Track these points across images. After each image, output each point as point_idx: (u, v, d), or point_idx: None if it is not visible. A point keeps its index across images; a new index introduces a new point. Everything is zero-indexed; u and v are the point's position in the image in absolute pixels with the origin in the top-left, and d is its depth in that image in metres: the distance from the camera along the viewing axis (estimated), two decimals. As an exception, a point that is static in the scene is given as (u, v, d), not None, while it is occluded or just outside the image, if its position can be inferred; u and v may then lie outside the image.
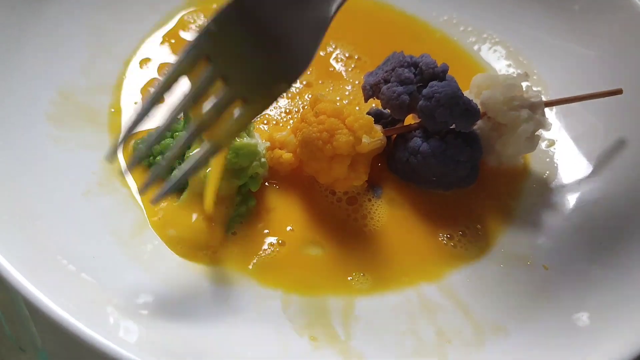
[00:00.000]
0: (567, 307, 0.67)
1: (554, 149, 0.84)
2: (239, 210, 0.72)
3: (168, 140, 0.73)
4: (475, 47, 0.96)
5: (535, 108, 0.76)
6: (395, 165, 0.78)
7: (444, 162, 0.74)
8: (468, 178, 0.77)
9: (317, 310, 0.66)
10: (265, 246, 0.71)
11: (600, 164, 0.80)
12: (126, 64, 0.87)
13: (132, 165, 0.69)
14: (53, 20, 0.82)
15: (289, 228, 0.72)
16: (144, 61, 0.87)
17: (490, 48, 0.95)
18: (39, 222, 0.65)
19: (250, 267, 0.69)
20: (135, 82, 0.85)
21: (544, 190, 0.80)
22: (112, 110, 0.81)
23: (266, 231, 0.72)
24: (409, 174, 0.77)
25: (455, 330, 0.66)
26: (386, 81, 0.77)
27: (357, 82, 0.88)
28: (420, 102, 0.74)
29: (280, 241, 0.71)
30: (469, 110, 0.73)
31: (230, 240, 0.71)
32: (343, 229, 0.74)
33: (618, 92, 0.79)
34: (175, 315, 0.62)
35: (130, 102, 0.82)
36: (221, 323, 0.63)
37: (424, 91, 0.74)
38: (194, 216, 0.70)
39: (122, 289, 0.62)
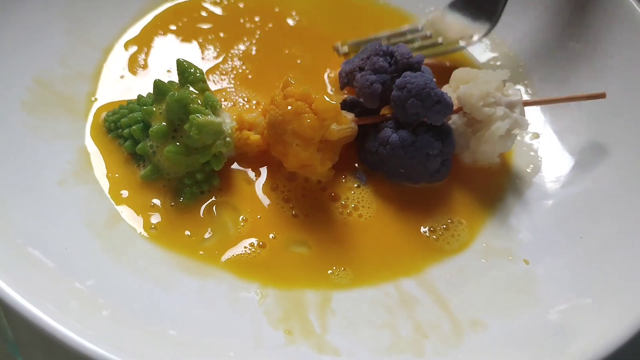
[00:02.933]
0: (547, 303, 0.66)
1: (538, 142, 0.83)
2: (201, 187, 0.72)
3: (136, 114, 0.73)
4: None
5: (513, 106, 0.75)
6: (365, 155, 0.77)
7: (412, 155, 0.73)
8: (438, 173, 0.76)
9: (294, 303, 0.66)
10: (246, 245, 0.70)
11: (584, 158, 0.79)
12: (106, 52, 0.85)
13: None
14: (30, 6, 0.80)
15: (271, 235, 0.71)
16: (125, 48, 0.86)
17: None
18: (10, 211, 0.64)
19: (224, 260, 0.68)
20: (116, 71, 0.84)
21: (526, 185, 0.79)
22: (93, 99, 0.80)
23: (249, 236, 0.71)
24: (377, 165, 0.76)
25: (433, 325, 0.65)
26: (361, 69, 0.76)
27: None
28: (393, 93, 0.73)
29: (260, 243, 0.70)
30: (441, 103, 0.71)
31: (202, 225, 0.70)
32: (327, 222, 0.73)
33: (601, 96, 0.77)
34: (146, 307, 0.61)
35: (110, 91, 0.81)
36: (194, 315, 0.62)
37: (397, 81, 0.73)
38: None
39: (94, 281, 0.61)
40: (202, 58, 0.87)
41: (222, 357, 0.58)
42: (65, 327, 0.53)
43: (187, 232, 0.70)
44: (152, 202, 0.71)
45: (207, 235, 0.70)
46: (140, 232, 0.69)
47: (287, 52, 0.90)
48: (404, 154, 0.73)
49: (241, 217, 0.72)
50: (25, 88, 0.75)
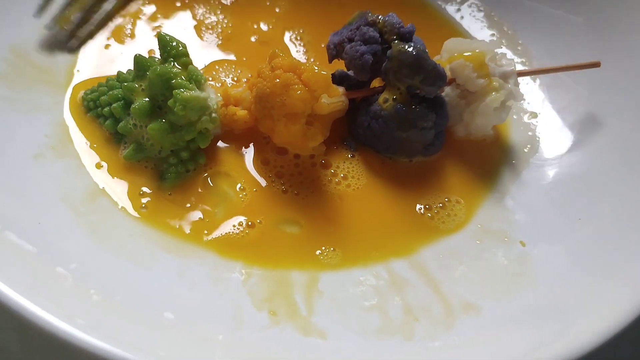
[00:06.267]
0: (543, 285, 0.64)
1: (536, 121, 0.80)
2: (186, 166, 0.69)
3: (117, 91, 0.70)
4: (458, 16, 0.91)
5: (507, 77, 0.72)
6: (356, 130, 0.74)
7: (405, 127, 0.70)
8: (432, 146, 0.73)
9: (279, 283, 0.63)
10: (235, 224, 0.67)
11: (583, 138, 0.76)
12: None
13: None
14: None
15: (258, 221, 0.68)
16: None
17: (472, 16, 0.91)
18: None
19: (209, 238, 0.66)
20: (99, 43, 0.80)
21: (524, 165, 0.76)
22: (76, 70, 0.76)
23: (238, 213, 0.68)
24: (370, 139, 0.73)
25: (424, 308, 0.62)
26: (350, 40, 0.72)
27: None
28: (385, 64, 0.70)
29: (250, 223, 0.68)
30: (434, 74, 0.68)
31: (186, 208, 0.68)
32: (319, 198, 0.70)
33: (596, 64, 0.75)
34: (124, 287, 0.58)
35: (92, 63, 0.78)
36: (174, 295, 0.59)
37: (389, 52, 0.70)
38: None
39: (68, 259, 0.58)
40: (185, 33, 0.84)
41: (202, 338, 0.55)
42: (37, 307, 0.50)
43: (194, 212, 0.68)
44: (137, 181, 0.69)
45: (215, 210, 0.68)
46: (124, 209, 0.66)
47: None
48: (397, 126, 0.70)
49: (238, 185, 0.70)
50: (2, 58, 0.72)
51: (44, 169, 0.66)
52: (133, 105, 0.67)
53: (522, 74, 0.76)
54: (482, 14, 0.90)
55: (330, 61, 0.76)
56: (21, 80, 0.72)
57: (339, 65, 0.76)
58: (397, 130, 0.70)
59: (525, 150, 0.78)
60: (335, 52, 0.74)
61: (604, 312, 0.58)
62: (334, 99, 0.68)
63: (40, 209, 0.62)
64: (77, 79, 0.76)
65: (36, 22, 0.77)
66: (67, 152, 0.69)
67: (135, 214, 0.66)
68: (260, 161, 0.72)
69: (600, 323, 0.56)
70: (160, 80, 0.66)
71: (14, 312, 0.49)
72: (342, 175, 0.72)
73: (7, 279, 0.51)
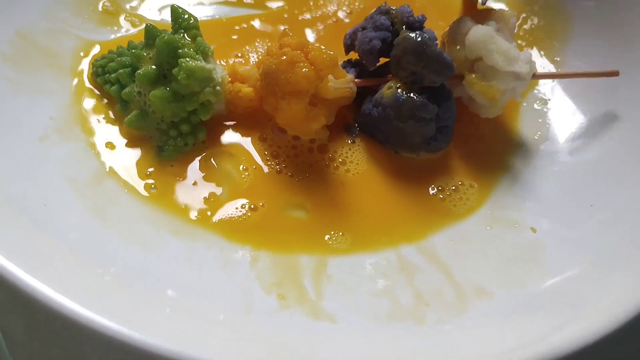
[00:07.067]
0: (555, 272, 0.63)
1: (547, 108, 0.79)
2: (186, 140, 0.69)
3: (125, 59, 0.70)
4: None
5: (521, 77, 0.70)
6: (360, 118, 0.73)
7: (403, 117, 0.68)
8: (435, 141, 0.71)
9: (288, 267, 0.62)
10: (237, 207, 0.66)
11: (594, 124, 0.75)
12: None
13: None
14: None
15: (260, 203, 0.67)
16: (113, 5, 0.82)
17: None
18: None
19: (215, 220, 0.65)
20: (105, 28, 0.79)
21: (534, 152, 0.75)
22: (82, 54, 0.76)
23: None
24: (371, 128, 0.72)
25: (435, 293, 0.61)
26: (363, 29, 0.72)
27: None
28: (392, 51, 0.69)
29: (252, 206, 0.67)
30: (438, 61, 0.67)
31: (191, 186, 0.67)
32: (325, 182, 0.70)
33: (614, 73, 0.74)
34: (130, 269, 0.57)
35: (98, 46, 0.77)
36: (182, 278, 0.58)
37: (396, 40, 0.69)
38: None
39: (74, 240, 0.58)
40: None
41: (212, 321, 0.54)
42: (45, 285, 0.49)
43: (199, 191, 0.67)
44: (142, 161, 0.68)
45: (218, 191, 0.67)
46: (131, 190, 0.66)
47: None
48: (394, 115, 0.68)
49: (241, 166, 0.69)
50: (7, 41, 0.71)
51: (50, 151, 0.65)
52: (138, 71, 0.67)
53: (539, 77, 0.75)
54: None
55: (346, 52, 0.75)
56: (27, 62, 0.71)
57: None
58: (395, 119, 0.68)
59: (536, 137, 0.77)
60: (350, 41, 0.74)
61: (616, 299, 0.57)
62: (341, 83, 0.67)
63: (46, 191, 0.61)
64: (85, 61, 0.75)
65: (42, 5, 0.76)
66: (72, 135, 0.68)
67: (144, 192, 0.66)
68: (258, 137, 0.71)
69: (612, 310, 0.55)
70: (167, 48, 0.66)
71: (20, 290, 0.48)
72: (340, 160, 0.71)
73: (13, 257, 0.50)
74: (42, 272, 0.50)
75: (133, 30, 0.80)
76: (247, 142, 0.71)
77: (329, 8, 0.87)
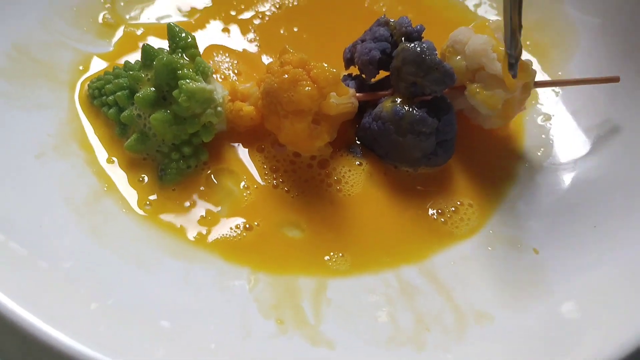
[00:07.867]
0: (557, 295, 0.62)
1: (550, 124, 0.78)
2: (188, 162, 0.68)
3: (122, 80, 0.68)
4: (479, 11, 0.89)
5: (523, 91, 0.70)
6: (361, 132, 0.72)
7: (402, 131, 0.67)
8: (435, 156, 0.70)
9: (286, 289, 0.61)
10: (232, 227, 0.66)
11: (598, 141, 0.74)
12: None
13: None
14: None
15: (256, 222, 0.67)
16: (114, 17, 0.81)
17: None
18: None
19: (210, 241, 0.64)
20: (105, 40, 0.78)
21: (537, 169, 0.74)
22: (80, 67, 0.75)
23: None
24: (371, 142, 0.72)
25: (435, 317, 0.60)
26: (362, 41, 0.71)
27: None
28: (392, 63, 0.68)
29: (247, 225, 0.66)
30: (438, 69, 0.66)
31: (189, 206, 0.66)
32: (323, 201, 0.69)
33: (614, 79, 0.73)
34: (126, 291, 0.56)
35: (98, 59, 0.76)
36: (178, 301, 0.57)
37: (395, 51, 0.68)
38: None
39: (70, 263, 0.57)
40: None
41: (210, 350, 0.54)
42: (35, 317, 0.48)
43: (199, 210, 0.66)
44: (141, 177, 0.67)
45: (217, 209, 0.67)
46: (128, 211, 0.65)
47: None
48: (394, 129, 0.67)
49: (242, 183, 0.68)
50: (3, 54, 0.70)
51: (46, 169, 0.64)
52: (137, 94, 0.66)
53: (540, 84, 0.74)
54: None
55: (346, 67, 0.75)
56: (23, 76, 0.70)
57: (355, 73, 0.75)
58: (394, 133, 0.68)
59: (539, 153, 0.76)
60: (349, 55, 0.73)
61: (621, 325, 0.56)
62: (343, 99, 0.66)
63: (42, 211, 0.60)
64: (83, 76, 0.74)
65: (39, 17, 0.75)
66: (69, 152, 0.67)
67: (140, 212, 0.65)
68: (256, 149, 0.71)
69: (616, 339, 0.54)
70: (166, 69, 0.65)
71: (12, 323, 0.47)
72: (335, 178, 0.70)
73: (5, 288, 0.49)
74: (32, 302, 0.49)
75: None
76: (247, 159, 0.70)
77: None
